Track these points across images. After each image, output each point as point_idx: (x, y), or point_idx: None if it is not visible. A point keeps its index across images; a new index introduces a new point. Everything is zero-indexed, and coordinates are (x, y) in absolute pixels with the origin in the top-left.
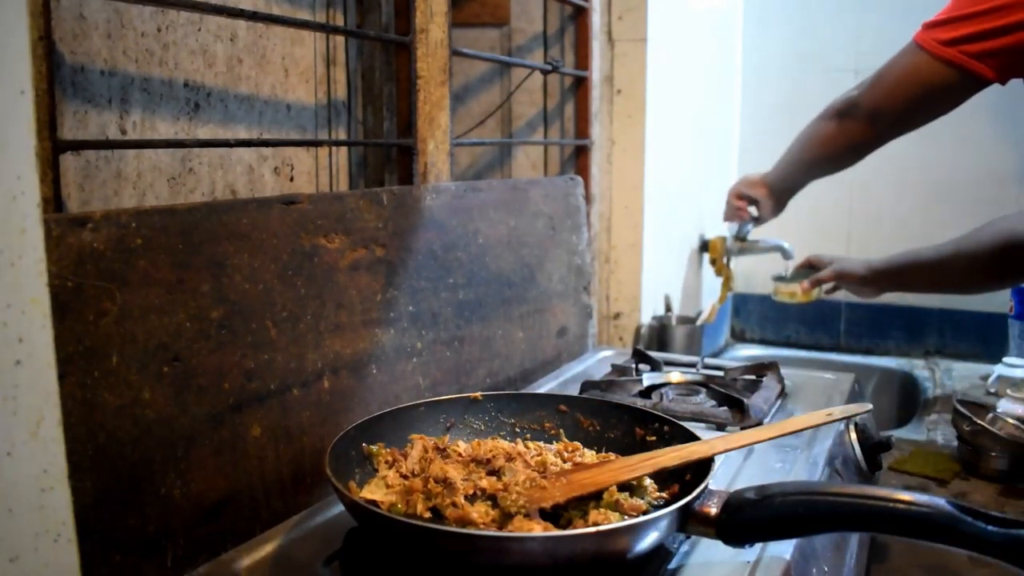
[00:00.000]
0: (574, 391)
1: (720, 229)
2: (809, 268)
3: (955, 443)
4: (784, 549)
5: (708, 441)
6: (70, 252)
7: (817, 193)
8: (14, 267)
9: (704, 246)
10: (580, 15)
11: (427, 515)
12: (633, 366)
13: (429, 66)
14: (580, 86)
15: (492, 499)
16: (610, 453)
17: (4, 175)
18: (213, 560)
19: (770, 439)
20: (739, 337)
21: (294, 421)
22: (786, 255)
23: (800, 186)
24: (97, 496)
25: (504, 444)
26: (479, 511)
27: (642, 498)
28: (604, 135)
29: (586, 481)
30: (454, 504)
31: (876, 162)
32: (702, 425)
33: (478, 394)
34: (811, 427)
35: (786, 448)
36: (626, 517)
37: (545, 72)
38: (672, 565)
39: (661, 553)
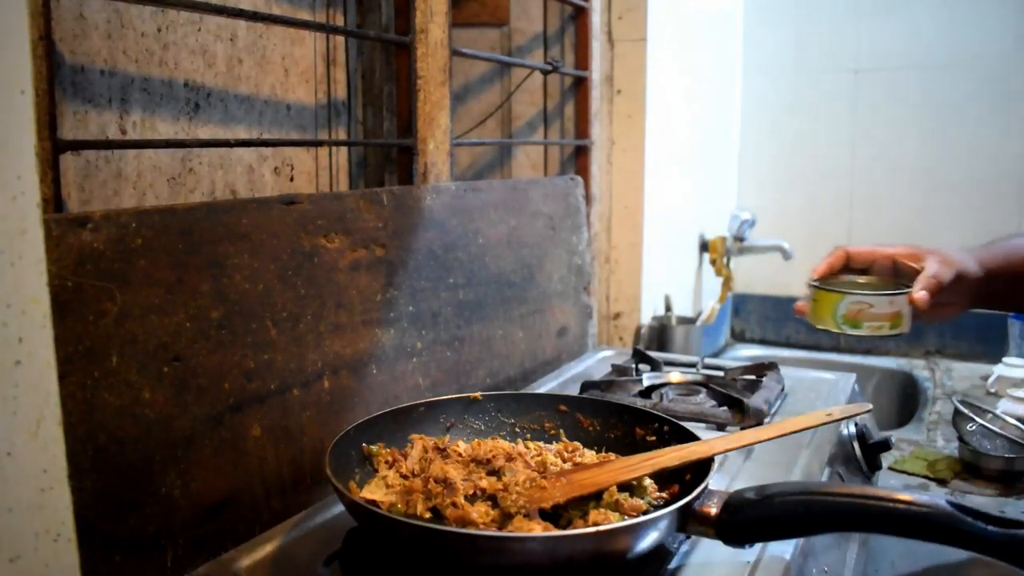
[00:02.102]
0: (574, 391)
1: (720, 229)
2: (844, 270)
3: (955, 443)
4: (784, 549)
5: (708, 441)
6: (70, 252)
7: (816, 192)
8: (14, 267)
9: (704, 246)
10: (580, 15)
11: (427, 515)
12: (633, 366)
13: (429, 66)
14: (580, 86)
15: (492, 499)
16: (610, 453)
17: (4, 175)
18: (213, 560)
19: (770, 439)
20: (739, 337)
21: (294, 421)
22: (786, 255)
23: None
24: (97, 496)
25: (504, 444)
26: (479, 511)
27: (642, 498)
28: (604, 135)
29: (586, 481)
30: (454, 504)
31: (876, 160)
32: (702, 425)
33: (478, 394)
34: (811, 427)
35: (786, 448)
36: (626, 517)
37: (545, 72)
38: (672, 565)
39: (661, 553)
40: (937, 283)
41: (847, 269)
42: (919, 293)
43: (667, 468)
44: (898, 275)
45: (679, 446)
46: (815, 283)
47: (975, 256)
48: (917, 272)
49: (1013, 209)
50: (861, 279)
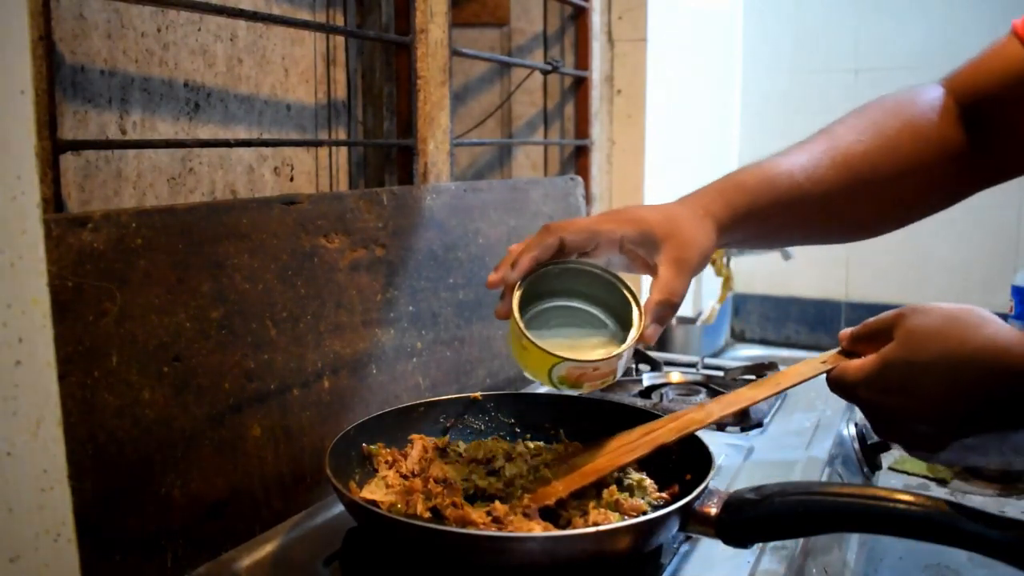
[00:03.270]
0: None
1: None
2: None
3: None
4: (784, 549)
5: (704, 407)
6: (70, 252)
7: None
8: (14, 267)
9: None
10: (580, 15)
11: (427, 515)
12: (633, 366)
13: (429, 66)
14: (580, 86)
15: (492, 499)
16: None
17: (4, 175)
18: (213, 560)
19: (768, 397)
20: (739, 337)
21: (294, 421)
22: (785, 255)
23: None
24: (97, 496)
25: (504, 444)
26: (479, 511)
27: (642, 498)
28: (604, 135)
29: (587, 468)
30: (454, 504)
31: None
32: None
33: (478, 394)
34: (807, 379)
35: (786, 448)
36: (626, 517)
37: (545, 72)
38: (672, 565)
39: (661, 553)
40: (670, 307)
41: (563, 252)
42: (650, 330)
43: (666, 443)
44: (626, 258)
45: (675, 414)
46: (524, 331)
47: (715, 218)
48: (648, 266)
49: (1012, 208)
50: (578, 266)
